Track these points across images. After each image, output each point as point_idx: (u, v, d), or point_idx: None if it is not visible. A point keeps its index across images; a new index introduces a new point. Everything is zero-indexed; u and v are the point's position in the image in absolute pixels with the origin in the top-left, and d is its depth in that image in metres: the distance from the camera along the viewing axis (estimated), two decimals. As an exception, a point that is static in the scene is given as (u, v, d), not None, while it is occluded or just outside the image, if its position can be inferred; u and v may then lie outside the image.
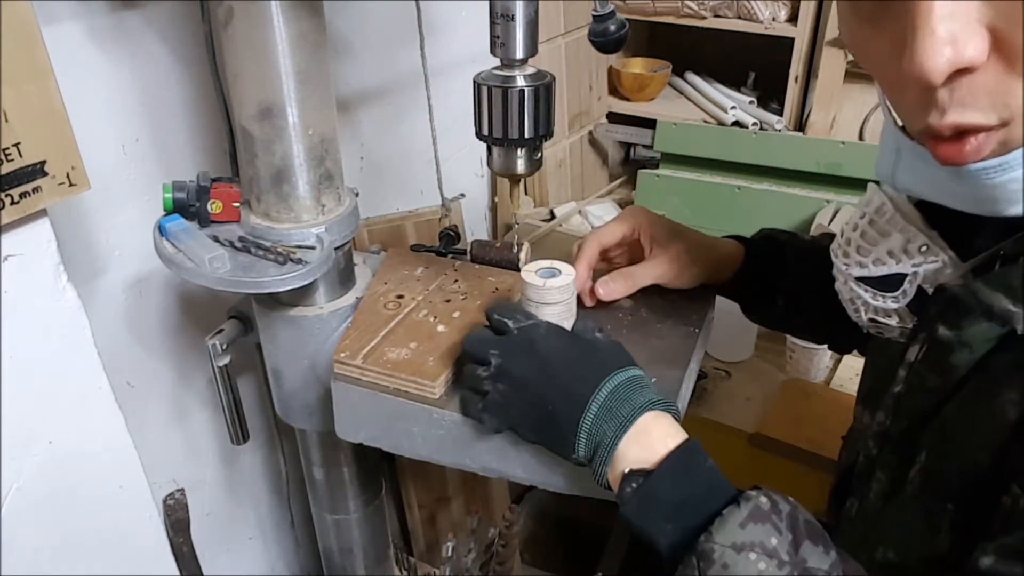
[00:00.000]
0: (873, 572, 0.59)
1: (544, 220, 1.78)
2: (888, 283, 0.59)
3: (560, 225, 1.73)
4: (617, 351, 0.67)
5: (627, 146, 2.08)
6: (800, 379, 1.45)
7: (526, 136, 0.73)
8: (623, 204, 1.93)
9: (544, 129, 0.74)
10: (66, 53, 0.80)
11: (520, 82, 0.71)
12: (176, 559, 1.07)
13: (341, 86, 1.23)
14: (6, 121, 0.67)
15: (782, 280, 0.89)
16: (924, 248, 0.57)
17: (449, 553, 1.55)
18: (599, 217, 1.79)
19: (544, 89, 0.72)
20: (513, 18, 0.68)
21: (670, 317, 0.86)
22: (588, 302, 0.86)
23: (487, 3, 0.69)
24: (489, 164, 0.79)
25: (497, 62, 0.73)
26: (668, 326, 0.85)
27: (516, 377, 0.65)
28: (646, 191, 1.78)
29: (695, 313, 0.87)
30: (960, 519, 0.54)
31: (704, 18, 1.81)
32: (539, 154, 0.78)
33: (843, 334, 0.92)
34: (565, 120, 1.87)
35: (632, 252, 0.90)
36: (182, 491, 1.13)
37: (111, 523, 0.94)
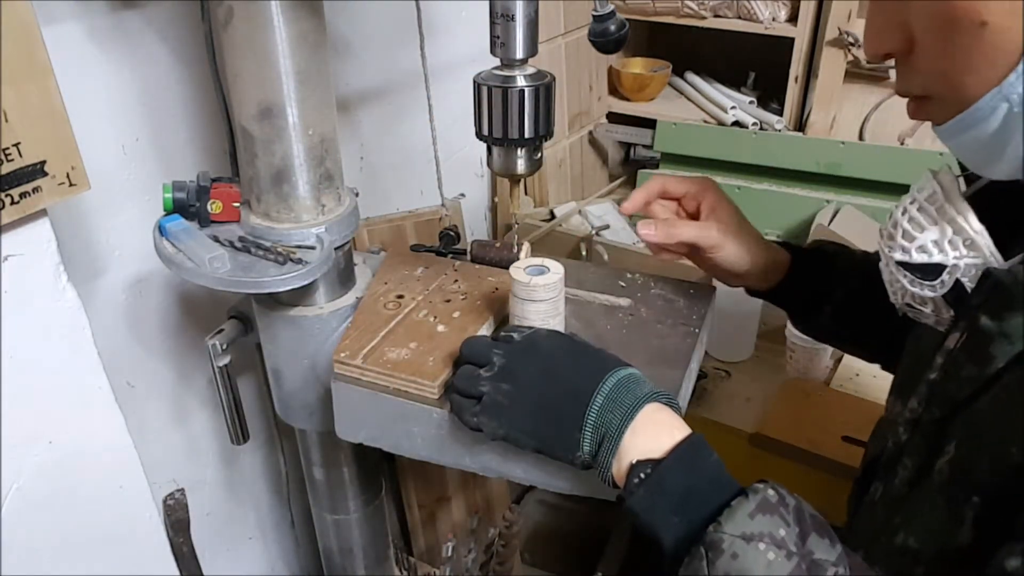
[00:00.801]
0: (891, 556, 0.60)
1: (544, 220, 1.78)
2: (928, 271, 0.59)
3: (560, 225, 1.73)
4: (614, 355, 0.68)
5: (627, 146, 2.08)
6: (800, 379, 1.45)
7: (526, 136, 0.73)
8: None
9: (544, 129, 0.74)
10: (66, 53, 0.80)
11: (520, 82, 0.71)
12: (176, 559, 1.07)
13: (341, 86, 1.23)
14: (6, 121, 0.67)
15: (829, 291, 0.89)
16: (968, 243, 0.57)
17: (449, 553, 1.55)
18: (599, 217, 1.79)
19: (544, 89, 0.72)
20: (513, 18, 0.68)
21: (670, 317, 0.86)
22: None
23: (487, 3, 0.69)
24: (489, 164, 0.79)
25: (497, 62, 0.73)
26: (668, 326, 0.85)
27: (520, 376, 0.65)
28: (646, 191, 1.78)
29: (695, 313, 0.87)
30: (985, 513, 0.54)
31: (704, 18, 1.81)
32: (539, 154, 0.78)
33: (893, 351, 0.88)
34: (565, 120, 1.87)
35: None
36: (182, 491, 1.13)
37: (111, 523, 0.94)
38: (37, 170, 0.71)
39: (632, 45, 2.09)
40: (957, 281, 0.58)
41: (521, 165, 0.76)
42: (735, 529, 0.53)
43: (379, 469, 1.07)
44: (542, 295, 0.71)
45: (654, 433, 0.60)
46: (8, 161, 0.68)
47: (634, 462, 0.59)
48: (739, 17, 1.79)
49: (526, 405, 0.65)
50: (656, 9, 1.85)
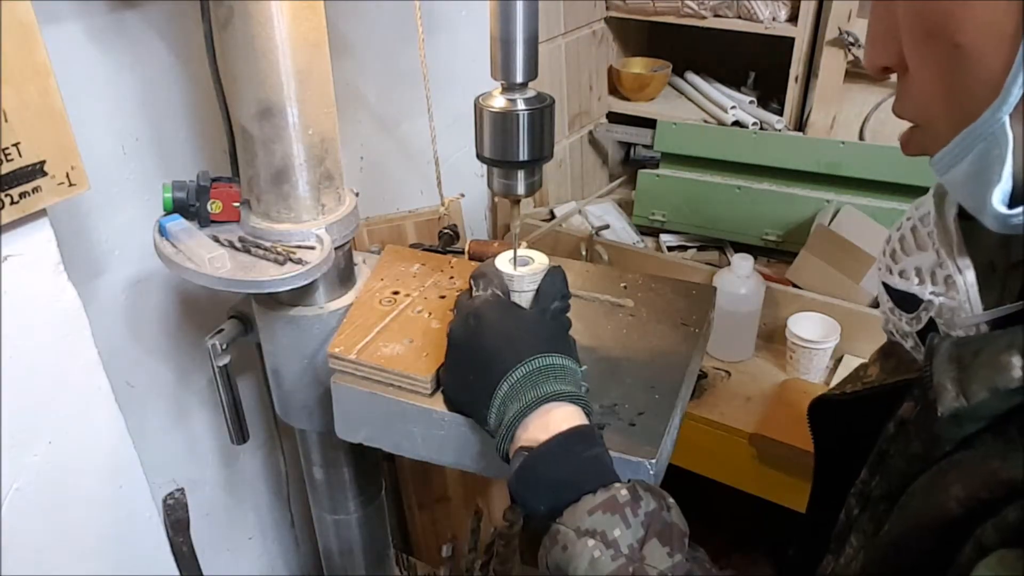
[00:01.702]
0: None
1: (544, 220, 1.78)
2: (908, 302, 0.53)
3: (560, 225, 1.73)
4: (552, 334, 0.69)
5: (627, 146, 2.08)
6: (800, 379, 1.44)
7: (525, 160, 0.72)
8: (623, 204, 1.93)
9: (543, 152, 0.73)
10: (66, 53, 0.80)
11: (520, 106, 0.69)
12: (176, 559, 1.07)
13: (341, 86, 1.23)
14: (6, 121, 0.67)
15: None
16: (948, 279, 0.49)
17: (449, 553, 1.55)
18: (599, 217, 1.79)
19: (543, 113, 0.71)
20: (513, 42, 0.67)
21: (670, 317, 0.86)
22: None
23: (487, 3, 0.69)
24: (489, 185, 0.79)
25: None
26: (668, 326, 0.85)
27: (452, 340, 0.70)
28: (646, 191, 1.78)
29: (695, 313, 0.87)
30: None
31: (704, 18, 1.81)
32: (538, 176, 0.77)
33: None
34: (565, 120, 1.87)
35: None
36: (182, 491, 1.13)
37: (111, 523, 0.94)
38: (37, 170, 0.71)
39: (632, 45, 2.09)
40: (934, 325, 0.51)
41: (520, 187, 0.76)
42: (572, 523, 0.55)
43: (379, 469, 1.07)
44: (525, 285, 0.73)
45: (543, 426, 0.61)
46: (8, 161, 0.68)
47: (518, 448, 0.62)
48: (739, 17, 1.79)
49: (451, 367, 0.71)
50: (656, 9, 1.85)
